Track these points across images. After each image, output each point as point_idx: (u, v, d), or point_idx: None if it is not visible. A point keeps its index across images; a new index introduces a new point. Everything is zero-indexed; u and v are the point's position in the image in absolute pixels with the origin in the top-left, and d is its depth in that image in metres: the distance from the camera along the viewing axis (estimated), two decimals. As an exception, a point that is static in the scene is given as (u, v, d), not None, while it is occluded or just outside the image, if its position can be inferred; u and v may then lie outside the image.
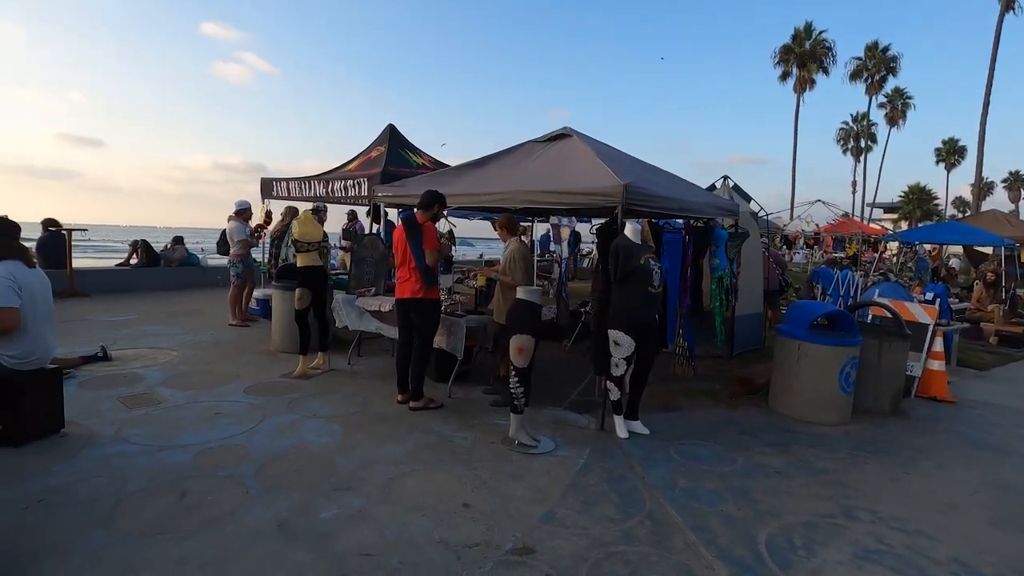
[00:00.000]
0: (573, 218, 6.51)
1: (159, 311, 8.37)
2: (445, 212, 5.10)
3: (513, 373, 3.80)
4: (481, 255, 20.32)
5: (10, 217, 3.79)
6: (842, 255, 17.12)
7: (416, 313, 4.41)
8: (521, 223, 7.74)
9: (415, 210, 4.43)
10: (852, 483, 3.56)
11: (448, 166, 8.37)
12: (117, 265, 10.97)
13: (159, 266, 10.85)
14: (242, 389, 4.82)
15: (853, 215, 27.00)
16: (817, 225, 19.41)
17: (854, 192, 45.96)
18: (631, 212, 4.43)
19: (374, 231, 6.70)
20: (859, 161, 46.37)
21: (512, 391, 3.81)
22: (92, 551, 2.44)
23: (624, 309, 3.95)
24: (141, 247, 10.80)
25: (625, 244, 3.99)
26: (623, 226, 4.09)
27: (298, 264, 5.32)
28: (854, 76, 40.86)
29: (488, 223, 11.75)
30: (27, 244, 3.82)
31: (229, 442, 3.68)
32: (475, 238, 24.08)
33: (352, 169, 8.33)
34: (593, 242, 10.31)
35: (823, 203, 17.28)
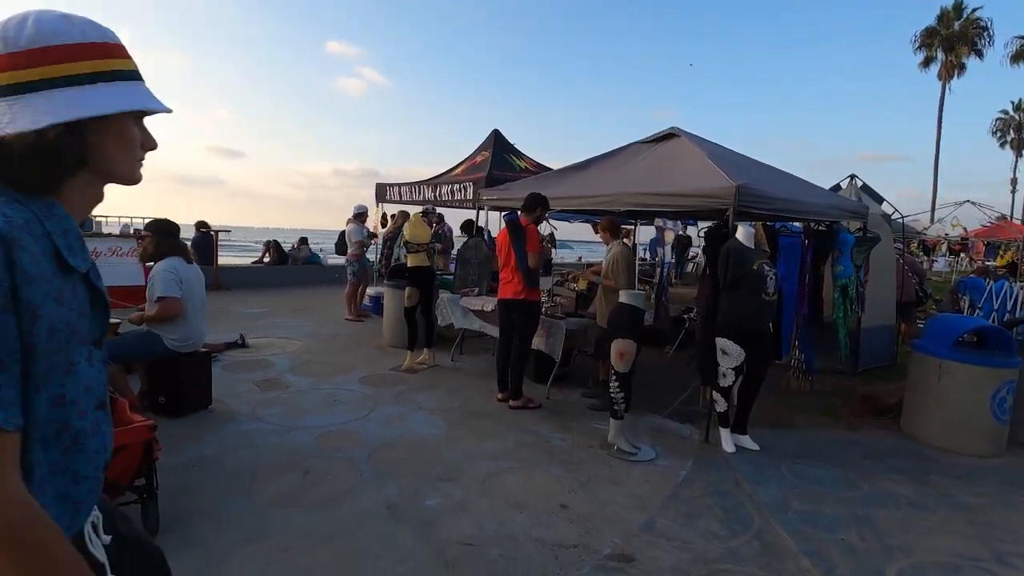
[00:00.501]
0: (679, 221, 6.30)
1: (286, 305, 9.23)
2: (547, 215, 5.16)
3: (614, 377, 3.76)
4: (580, 258, 20.24)
5: (169, 219, 4.39)
6: (994, 263, 14.96)
7: (517, 314, 4.50)
8: (623, 226, 7.64)
9: (519, 213, 4.53)
10: (1004, 524, 3.11)
11: (551, 170, 8.46)
12: (253, 263, 12.27)
13: (287, 264, 11.99)
14: (357, 379, 5.20)
15: (1012, 218, 23.48)
16: (965, 229, 17.10)
17: (1013, 191, 40.06)
18: (744, 215, 4.21)
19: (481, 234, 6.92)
20: (1021, 155, 40.30)
21: (612, 396, 3.77)
22: (235, 517, 2.77)
23: (734, 316, 3.76)
24: (273, 247, 12.00)
25: (736, 248, 3.80)
26: (734, 229, 3.90)
27: (408, 264, 5.64)
28: (1016, 58, 35.56)
29: (588, 226, 11.67)
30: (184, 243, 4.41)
31: (345, 427, 4.00)
32: (575, 241, 24.05)
33: (458, 174, 8.68)
34: (699, 246, 9.91)
35: (973, 204, 15.24)
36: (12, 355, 0.75)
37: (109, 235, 8.83)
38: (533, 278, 4.41)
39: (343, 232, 8.69)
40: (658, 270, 7.81)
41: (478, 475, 3.34)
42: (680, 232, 6.88)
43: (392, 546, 2.59)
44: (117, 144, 0.90)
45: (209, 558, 2.42)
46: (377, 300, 8.64)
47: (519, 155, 8.94)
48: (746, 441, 3.97)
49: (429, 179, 8.75)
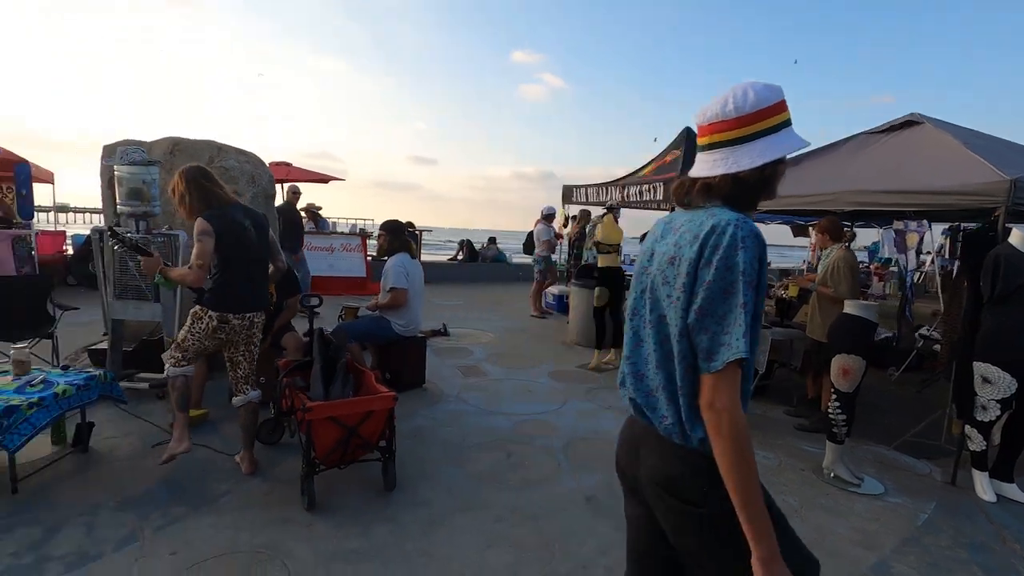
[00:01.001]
0: (924, 221, 5.40)
1: (477, 299, 9.98)
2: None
3: (834, 397, 3.36)
4: (769, 263, 18.47)
5: (399, 220, 5.03)
6: None
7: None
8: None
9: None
10: None
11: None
12: (449, 259, 13.50)
13: (477, 262, 12.96)
14: (546, 373, 5.42)
15: None
16: None
17: None
18: (1019, 215, 3.45)
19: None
20: None
21: (831, 417, 3.37)
22: (450, 484, 3.09)
23: (1003, 338, 3.10)
24: (466, 246, 13.07)
25: (1009, 255, 3.13)
26: (1006, 232, 3.21)
27: (599, 264, 5.70)
28: None
29: (786, 228, 10.55)
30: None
31: (540, 417, 4.19)
32: (769, 244, 21.98)
33: (647, 174, 8.51)
34: (938, 251, 8.36)
35: None
36: (759, 314, 1.11)
37: (342, 233, 10.43)
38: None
39: (531, 232, 9.11)
40: (896, 280, 6.73)
41: (675, 482, 3.25)
42: (922, 234, 5.86)
43: (594, 532, 2.66)
44: (780, 175, 1.21)
45: (433, 517, 2.73)
46: (560, 299, 8.90)
47: (713, 153, 8.45)
48: (1012, 491, 3.25)
49: (616, 180, 8.73)
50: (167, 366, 2.91)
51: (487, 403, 4.46)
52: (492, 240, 13.53)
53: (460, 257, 13.00)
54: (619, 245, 5.76)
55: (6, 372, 3.07)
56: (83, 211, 27.00)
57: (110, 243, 3.27)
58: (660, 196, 7.30)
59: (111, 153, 4.72)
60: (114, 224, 3.79)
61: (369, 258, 10.56)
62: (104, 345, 4.62)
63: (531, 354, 6.15)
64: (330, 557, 2.37)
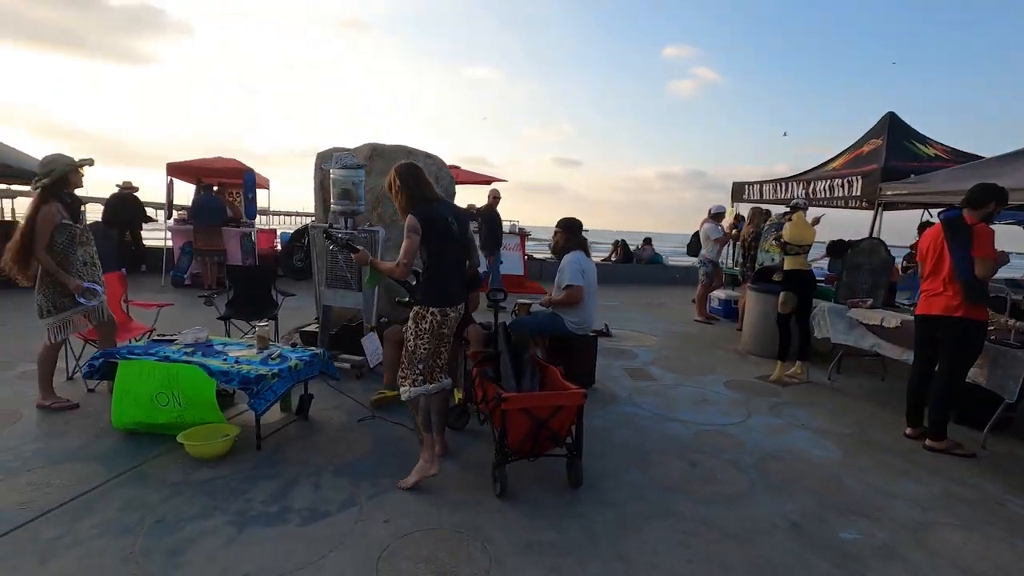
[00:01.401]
0: None
1: (633, 301, 9.71)
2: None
3: None
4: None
5: (575, 217, 5.02)
6: None
7: (947, 335, 3.61)
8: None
9: (961, 209, 3.62)
10: None
11: (977, 156, 6.61)
12: (602, 260, 13.35)
13: (632, 263, 12.64)
14: (721, 382, 5.05)
15: None
16: None
17: None
18: None
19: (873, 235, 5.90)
20: None
21: None
22: (635, 487, 2.98)
23: None
24: (620, 246, 12.82)
25: None
26: None
27: (786, 267, 5.17)
28: None
29: (1018, 228, 8.71)
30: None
31: (723, 429, 3.90)
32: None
33: (838, 167, 7.58)
34: None
35: None
36: None
37: (505, 233, 10.83)
38: (979, 292, 3.46)
39: (695, 233, 8.62)
40: None
41: (901, 519, 2.79)
42: None
43: (809, 567, 2.36)
44: None
45: (623, 520, 2.64)
46: (727, 303, 8.30)
47: (924, 140, 7.26)
48: None
49: (798, 175, 7.90)
50: (404, 388, 2.87)
51: (661, 408, 4.26)
52: (647, 241, 13.10)
53: (614, 258, 12.78)
54: (810, 246, 5.17)
55: (251, 345, 3.62)
56: (284, 214, 31.51)
57: (325, 242, 3.61)
58: (857, 191, 6.45)
59: (325, 159, 5.38)
60: (329, 225, 4.25)
61: (526, 257, 10.83)
62: (312, 328, 5.28)
63: (701, 361, 5.79)
64: (526, 546, 2.40)
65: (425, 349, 2.85)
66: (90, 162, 3.62)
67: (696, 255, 8.46)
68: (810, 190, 7.31)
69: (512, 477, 2.90)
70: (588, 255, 4.61)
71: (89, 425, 3.41)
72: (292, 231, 11.37)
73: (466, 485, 2.90)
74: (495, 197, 8.55)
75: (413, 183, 2.86)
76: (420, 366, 2.85)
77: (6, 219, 13.45)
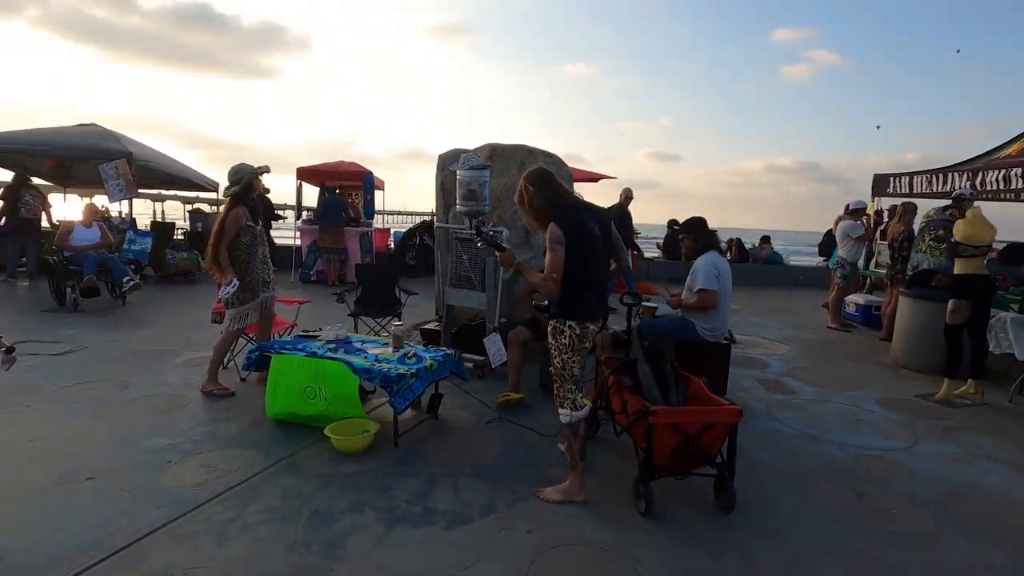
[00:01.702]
0: None
1: (753, 304, 9.04)
2: None
3: None
4: None
5: (702, 216, 4.70)
6: None
7: None
8: None
9: None
10: None
11: None
12: (713, 259, 12.64)
13: (748, 262, 11.82)
14: (873, 399, 4.51)
15: None
16: None
17: None
18: None
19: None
20: None
21: None
22: (797, 517, 2.68)
23: None
24: (736, 245, 12.04)
25: None
26: None
27: (957, 271, 4.51)
28: None
29: None
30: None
31: (886, 455, 3.45)
32: None
33: (1012, 154, 6.54)
34: None
35: None
36: None
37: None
38: None
39: (828, 231, 7.86)
40: None
41: None
42: None
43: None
44: None
45: (793, 557, 2.36)
46: (867, 309, 7.49)
47: None
48: None
49: (961, 164, 6.93)
50: (564, 412, 2.69)
51: (808, 426, 3.87)
52: (766, 239, 12.19)
53: (728, 257, 12.02)
54: (988, 247, 4.47)
55: (386, 344, 3.72)
56: (395, 213, 33.17)
57: (475, 239, 3.51)
58: (1045, 182, 5.51)
59: (449, 160, 5.47)
60: (480, 222, 4.24)
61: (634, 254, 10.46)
62: (432, 325, 5.40)
63: (844, 373, 5.22)
64: (684, 575, 2.22)
65: (572, 366, 2.68)
66: (267, 169, 4.04)
67: (828, 255, 7.71)
68: (977, 181, 6.37)
69: (654, 494, 2.73)
70: (722, 254, 4.31)
71: (245, 413, 3.68)
72: (404, 230, 11.88)
73: (606, 499, 2.76)
74: (627, 196, 8.18)
75: (549, 189, 2.67)
76: (575, 385, 2.69)
77: (160, 220, 15.20)
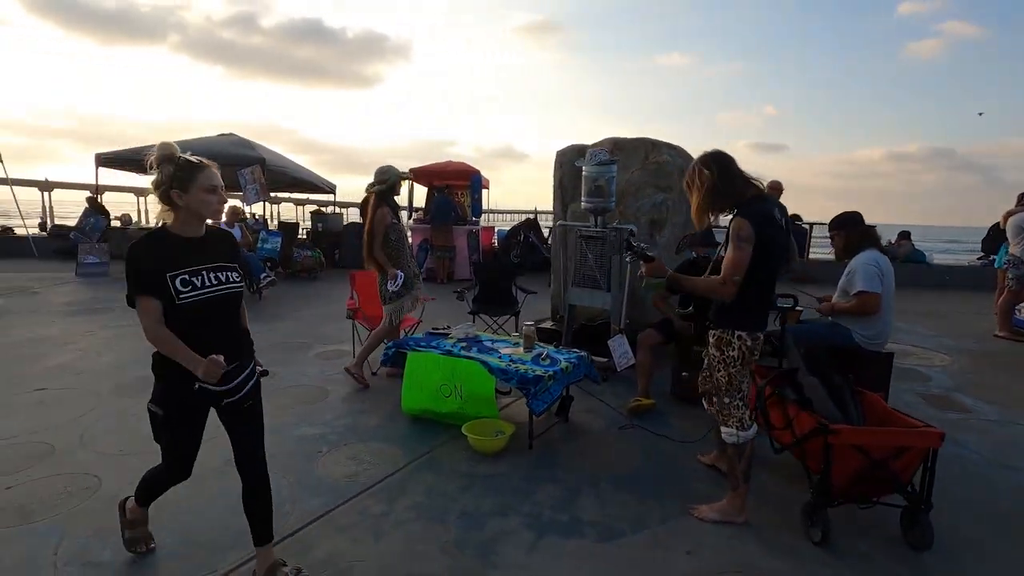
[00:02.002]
0: None
1: (899, 308, 8.08)
2: None
3: None
4: None
5: (856, 210, 4.22)
6: None
7: None
8: None
9: None
10: None
11: None
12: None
13: (883, 261, 10.67)
14: (1077, 424, 3.81)
15: None
16: None
17: None
18: None
19: None
20: None
21: None
22: (1007, 564, 2.29)
23: None
24: (867, 241, 10.90)
25: None
26: None
27: None
28: None
29: None
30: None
31: (1113, 494, 2.87)
32: None
33: None
34: None
35: None
36: None
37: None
38: None
39: (993, 226, 6.84)
40: None
41: None
42: None
43: None
44: None
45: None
46: (1047, 316, 6.42)
47: None
48: None
49: None
50: (729, 431, 2.45)
51: (997, 453, 3.33)
52: (905, 235, 10.90)
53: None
54: None
55: (516, 344, 3.68)
56: (499, 212, 33.69)
57: (624, 254, 3.23)
58: None
59: (568, 156, 5.36)
60: (630, 232, 4.09)
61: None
62: (547, 325, 5.31)
63: (1028, 391, 4.48)
64: (882, 622, 1.94)
65: (743, 378, 2.43)
66: (410, 175, 4.26)
67: (994, 252, 6.70)
68: None
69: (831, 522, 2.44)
70: (883, 251, 3.84)
71: (381, 406, 3.80)
72: (507, 229, 11.96)
73: (768, 522, 2.51)
74: (778, 189, 7.55)
75: (730, 175, 2.34)
76: (740, 401, 2.45)
77: (292, 221, 16.29)
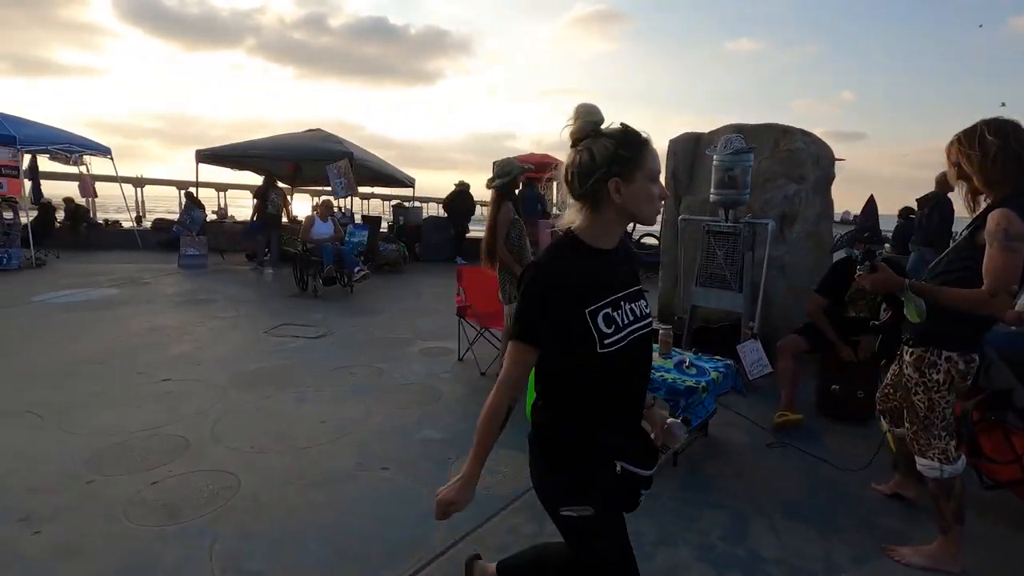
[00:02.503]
0: None
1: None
2: None
3: None
4: None
5: None
6: None
7: None
8: None
9: None
10: None
11: None
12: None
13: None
14: None
15: None
16: None
17: None
18: None
19: None
20: None
21: None
22: None
23: None
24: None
25: None
26: None
27: None
28: None
29: None
30: None
31: None
32: None
33: None
34: None
35: None
36: None
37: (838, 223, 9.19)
38: None
39: None
40: None
41: None
42: None
43: None
44: None
45: None
46: None
47: None
48: None
49: None
50: (930, 463, 2.08)
51: None
52: None
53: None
54: None
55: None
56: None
57: (859, 267, 2.78)
58: None
59: (683, 144, 4.98)
60: (868, 241, 3.74)
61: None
62: (656, 326, 4.98)
63: None
64: None
65: (947, 405, 2.04)
66: (531, 168, 4.04)
67: None
68: None
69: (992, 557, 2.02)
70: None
71: (498, 410, 3.61)
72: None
73: (989, 571, 2.11)
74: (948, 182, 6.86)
75: (1011, 153, 1.82)
76: (944, 431, 2.07)
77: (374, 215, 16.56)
